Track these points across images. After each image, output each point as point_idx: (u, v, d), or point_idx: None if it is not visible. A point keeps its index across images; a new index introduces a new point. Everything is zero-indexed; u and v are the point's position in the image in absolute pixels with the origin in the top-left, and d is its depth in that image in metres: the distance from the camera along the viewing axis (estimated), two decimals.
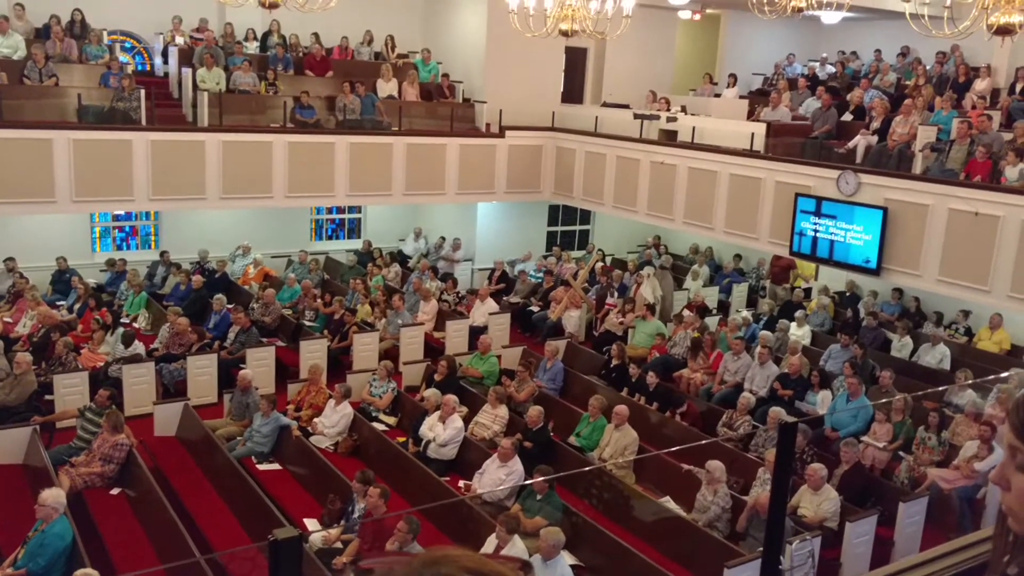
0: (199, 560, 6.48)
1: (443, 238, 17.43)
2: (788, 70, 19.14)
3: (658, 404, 11.20)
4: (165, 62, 15.62)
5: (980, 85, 15.02)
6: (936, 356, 12.52)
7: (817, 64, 18.93)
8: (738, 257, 17.56)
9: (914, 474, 9.34)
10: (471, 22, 16.98)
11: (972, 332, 13.74)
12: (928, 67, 16.34)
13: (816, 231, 12.47)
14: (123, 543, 7.70)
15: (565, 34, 10.09)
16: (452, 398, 9.97)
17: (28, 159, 12.51)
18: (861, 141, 13.11)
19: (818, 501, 8.26)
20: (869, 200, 11.88)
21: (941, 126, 12.66)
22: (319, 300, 14.07)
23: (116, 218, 15.85)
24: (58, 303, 13.48)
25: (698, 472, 8.67)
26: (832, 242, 12.29)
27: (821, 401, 10.92)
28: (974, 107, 13.43)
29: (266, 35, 16.34)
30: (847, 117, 14.60)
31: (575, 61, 18.27)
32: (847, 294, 15.56)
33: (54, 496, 6.93)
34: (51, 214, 14.02)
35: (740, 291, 16.61)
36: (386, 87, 16.04)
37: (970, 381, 10.70)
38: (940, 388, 10.96)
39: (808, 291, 16.07)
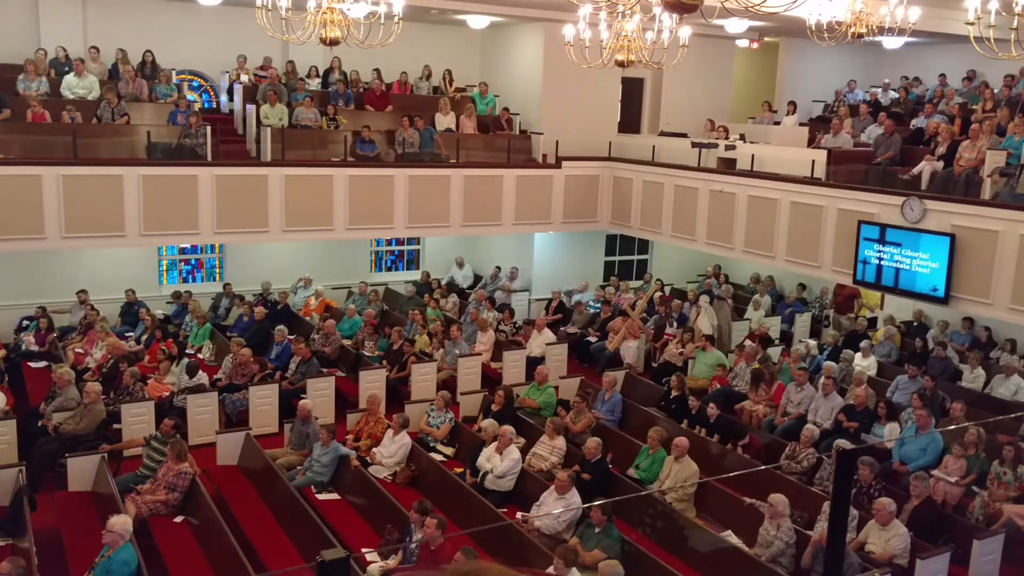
0: None
1: (498, 268, 17.49)
2: (849, 96, 18.85)
3: (719, 436, 11.02)
4: (230, 99, 16.09)
5: None
6: (1011, 387, 12.07)
7: (879, 90, 18.60)
8: (802, 286, 17.23)
9: (989, 510, 8.98)
10: (528, 55, 17.16)
11: None
12: (996, 90, 15.94)
13: (880, 259, 12.19)
14: (185, 570, 7.80)
15: (621, 65, 10.07)
16: (509, 429, 9.93)
17: (100, 195, 12.97)
18: (926, 167, 12.83)
19: (886, 537, 8.00)
20: (935, 227, 11.59)
21: (1011, 151, 12.31)
22: (377, 333, 14.16)
23: (182, 251, 16.30)
24: (127, 334, 13.84)
25: (760, 506, 8.48)
26: (897, 270, 12.00)
27: (888, 433, 10.60)
28: None
29: (327, 72, 16.73)
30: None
31: (632, 91, 18.30)
32: (915, 323, 15.14)
33: (121, 523, 7.08)
34: (121, 247, 14.47)
35: (803, 321, 16.27)
36: (444, 120, 16.27)
37: None
38: (1013, 415, 10.54)
39: (873, 320, 15.68)
